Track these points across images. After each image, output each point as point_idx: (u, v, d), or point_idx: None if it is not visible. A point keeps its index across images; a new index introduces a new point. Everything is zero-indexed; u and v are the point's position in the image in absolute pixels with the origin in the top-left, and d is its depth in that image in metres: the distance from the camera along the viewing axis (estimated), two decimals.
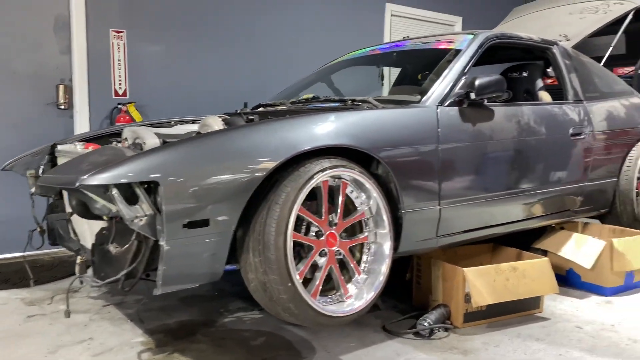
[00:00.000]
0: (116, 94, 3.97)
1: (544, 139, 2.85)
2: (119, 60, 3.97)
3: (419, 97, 2.50)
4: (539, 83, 3.34)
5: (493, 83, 2.51)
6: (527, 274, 2.63)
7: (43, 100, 3.75)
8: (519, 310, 2.68)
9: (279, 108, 2.95)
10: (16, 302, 2.85)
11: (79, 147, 2.33)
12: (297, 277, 1.85)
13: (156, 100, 4.12)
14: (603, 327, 2.57)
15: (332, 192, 2.08)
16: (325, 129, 2.04)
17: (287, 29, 4.82)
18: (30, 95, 3.71)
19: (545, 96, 3.26)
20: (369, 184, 2.10)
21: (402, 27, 5.66)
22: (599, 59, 4.20)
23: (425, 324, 2.41)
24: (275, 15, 4.74)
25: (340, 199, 2.06)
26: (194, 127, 2.53)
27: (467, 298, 2.50)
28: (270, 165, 1.85)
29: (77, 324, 2.53)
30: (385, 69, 4.41)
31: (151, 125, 3.09)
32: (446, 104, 2.46)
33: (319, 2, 5.00)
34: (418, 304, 2.76)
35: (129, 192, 1.72)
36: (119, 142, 2.66)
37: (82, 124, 3.82)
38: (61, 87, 3.78)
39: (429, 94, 2.48)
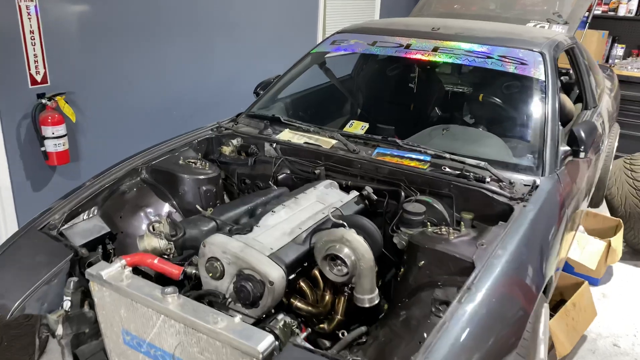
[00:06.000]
0: (33, 81, 2.79)
1: (593, 163, 2.82)
2: (32, 31, 2.73)
3: (533, 160, 2.21)
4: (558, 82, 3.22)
5: (594, 132, 2.33)
6: (581, 307, 2.75)
7: None
8: None
9: (337, 148, 2.35)
10: None
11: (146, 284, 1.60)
12: None
13: (85, 86, 3.02)
14: (634, 342, 2.87)
15: None
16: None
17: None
18: None
19: (567, 101, 3.17)
20: None
21: None
22: None
23: None
24: None
25: None
26: (295, 223, 1.89)
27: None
28: None
29: None
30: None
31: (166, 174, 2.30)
32: (559, 167, 2.23)
33: None
34: None
35: None
36: (156, 224, 1.94)
37: None
38: None
39: (543, 159, 2.19)
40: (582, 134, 2.27)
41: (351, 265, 1.68)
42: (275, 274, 1.63)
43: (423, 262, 1.73)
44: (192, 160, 2.40)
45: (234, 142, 2.55)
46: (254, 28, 4.11)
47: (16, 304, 1.64)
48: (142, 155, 2.42)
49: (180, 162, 2.37)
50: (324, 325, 1.82)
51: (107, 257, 2.07)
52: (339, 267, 1.70)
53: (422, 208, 1.94)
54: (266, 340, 1.40)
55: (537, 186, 2.03)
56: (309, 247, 1.81)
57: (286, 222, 1.90)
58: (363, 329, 1.70)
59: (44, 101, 2.78)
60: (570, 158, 2.30)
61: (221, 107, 3.90)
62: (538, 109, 2.38)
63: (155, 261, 1.78)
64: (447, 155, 2.18)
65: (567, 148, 2.29)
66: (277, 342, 1.43)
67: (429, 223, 1.90)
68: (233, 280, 1.69)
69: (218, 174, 2.38)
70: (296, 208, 1.99)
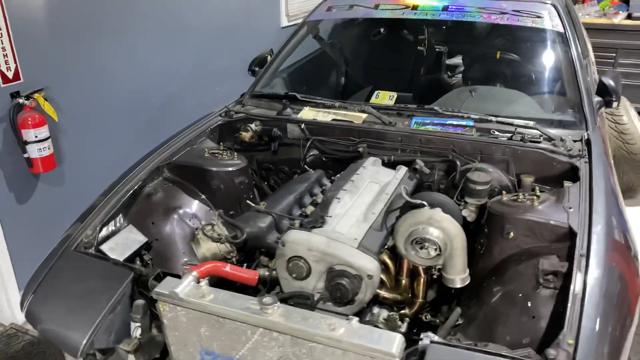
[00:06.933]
0: (5, 79, 2.42)
1: None
2: None
3: (574, 114, 2.18)
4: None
5: (620, 80, 2.34)
6: None
7: None
8: None
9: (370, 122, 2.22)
10: None
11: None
12: None
13: (62, 80, 2.67)
14: None
15: None
16: None
17: None
18: None
19: None
20: None
21: None
22: None
23: None
24: None
25: None
26: (364, 207, 1.75)
27: None
28: None
29: None
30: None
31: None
32: (597, 119, 2.21)
33: None
34: None
35: None
36: (208, 226, 1.77)
37: None
38: None
39: (584, 112, 2.16)
40: (612, 83, 2.26)
41: (442, 247, 1.58)
42: (371, 266, 1.52)
43: (512, 233, 1.66)
44: (216, 151, 2.19)
45: (253, 126, 2.35)
46: (221, 11, 3.84)
47: (85, 340, 1.43)
48: (157, 153, 2.17)
49: (206, 154, 2.15)
50: (406, 311, 1.72)
51: None
52: (426, 250, 1.60)
53: (488, 177, 1.87)
54: (397, 341, 1.28)
55: (588, 140, 2.00)
56: (387, 232, 1.70)
57: (354, 207, 1.77)
58: (459, 310, 1.62)
59: (21, 101, 2.44)
60: (603, 108, 2.29)
61: (200, 90, 3.64)
62: (565, 61, 2.34)
63: (228, 268, 1.60)
64: (493, 118, 2.10)
65: (600, 98, 2.28)
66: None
67: (503, 191, 1.83)
68: (322, 278, 1.55)
69: (247, 164, 2.19)
70: (356, 191, 1.85)
